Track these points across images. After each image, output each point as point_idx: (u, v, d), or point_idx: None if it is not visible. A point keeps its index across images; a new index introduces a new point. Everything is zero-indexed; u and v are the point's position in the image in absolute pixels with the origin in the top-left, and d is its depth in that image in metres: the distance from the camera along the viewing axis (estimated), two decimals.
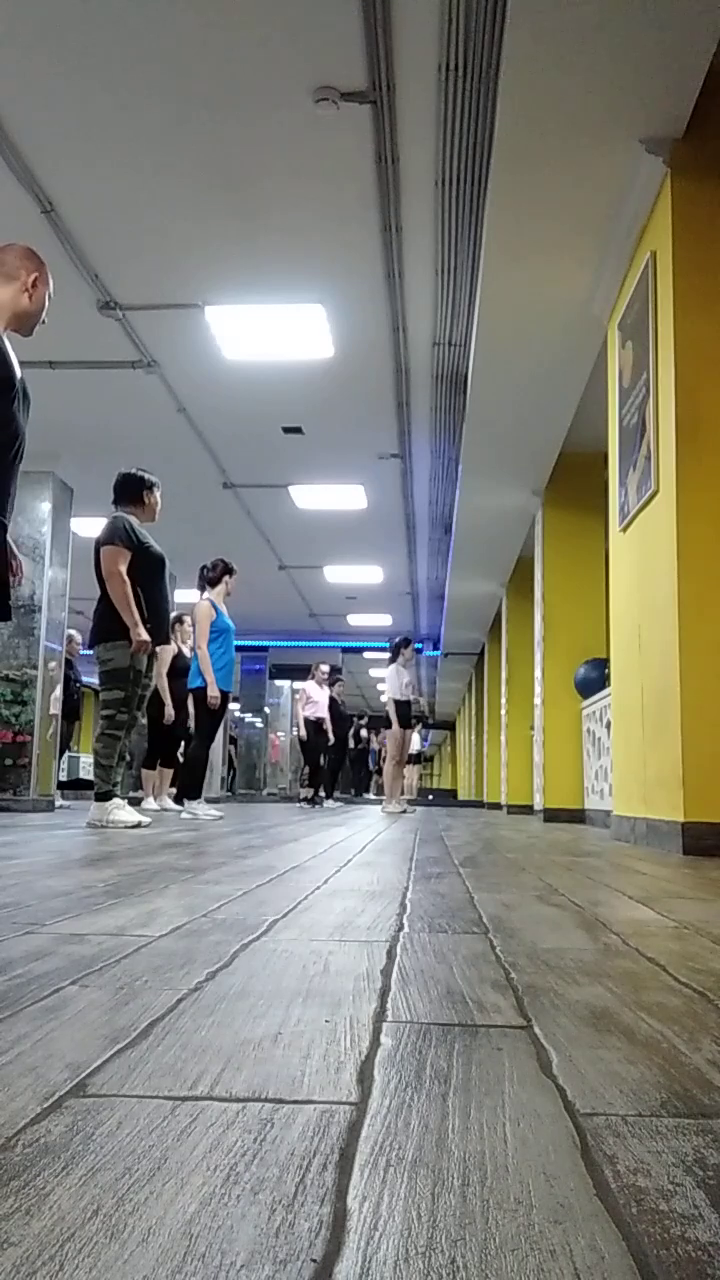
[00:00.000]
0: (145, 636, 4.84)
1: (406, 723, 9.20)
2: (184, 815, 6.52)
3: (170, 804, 7.94)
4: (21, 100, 4.61)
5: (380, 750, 20.73)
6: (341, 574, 14.21)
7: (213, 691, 6.42)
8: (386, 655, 9.52)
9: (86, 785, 13.05)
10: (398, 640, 9.24)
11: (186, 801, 6.68)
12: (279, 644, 19.22)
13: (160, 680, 7.90)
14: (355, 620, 17.77)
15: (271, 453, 9.23)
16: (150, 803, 8.06)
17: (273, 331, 6.77)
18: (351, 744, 15.87)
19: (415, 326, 6.64)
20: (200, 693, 6.52)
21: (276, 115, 4.64)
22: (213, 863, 2.79)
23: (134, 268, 6.03)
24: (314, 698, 11.27)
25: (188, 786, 6.74)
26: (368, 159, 4.93)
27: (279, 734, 22.47)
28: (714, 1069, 0.83)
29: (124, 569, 4.88)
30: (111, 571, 4.88)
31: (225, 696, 6.55)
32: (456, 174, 4.97)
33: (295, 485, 10.22)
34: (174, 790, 8.17)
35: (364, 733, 18.14)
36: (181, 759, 8.22)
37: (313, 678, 11.55)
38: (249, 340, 6.88)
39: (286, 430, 8.66)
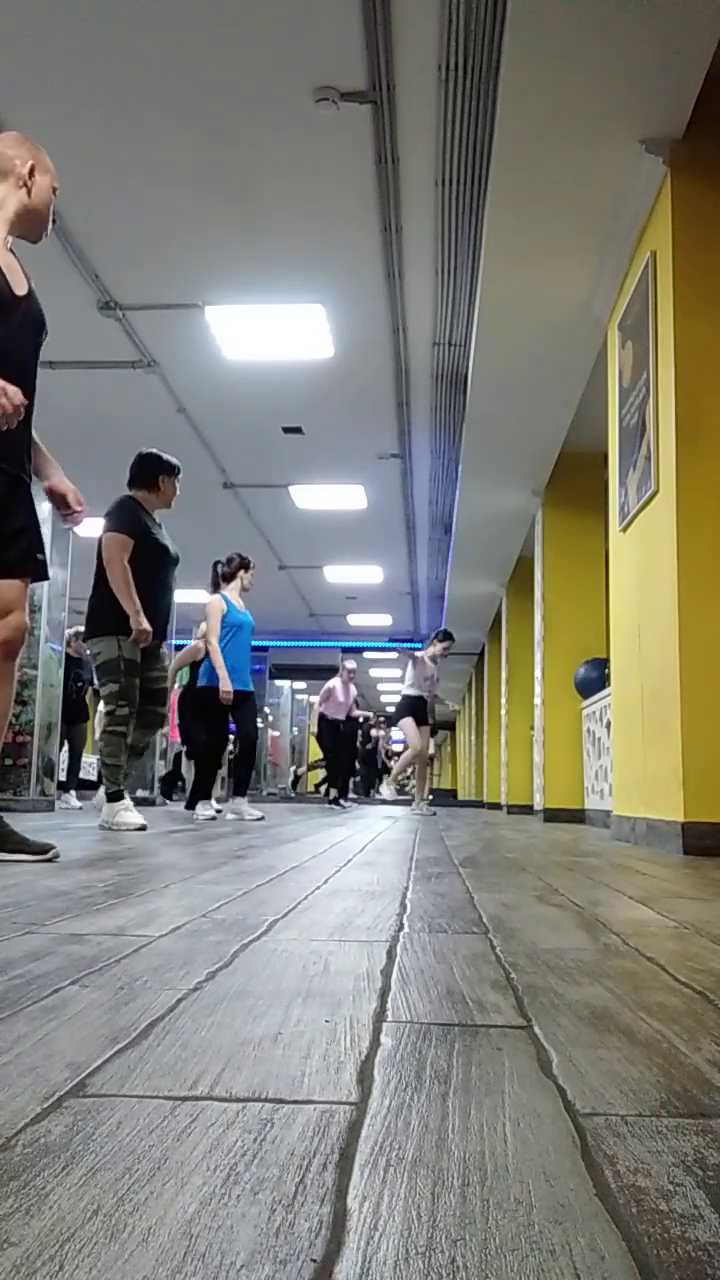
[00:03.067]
0: (146, 625, 4.62)
1: (423, 719, 8.54)
2: (195, 817, 6.38)
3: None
4: (21, 100, 4.61)
5: (387, 749, 20.57)
6: (341, 574, 14.21)
7: (224, 687, 6.20)
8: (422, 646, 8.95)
9: (88, 785, 13.02)
10: (437, 633, 8.84)
11: (200, 803, 6.52)
12: (279, 644, 19.22)
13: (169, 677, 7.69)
14: (355, 620, 17.78)
15: (271, 453, 9.24)
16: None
17: (273, 331, 6.78)
18: (359, 743, 15.65)
19: (415, 326, 6.65)
20: (210, 692, 6.34)
21: (276, 115, 4.64)
22: (213, 863, 2.79)
23: (134, 268, 6.03)
24: (340, 698, 10.99)
25: (203, 787, 6.56)
26: (368, 159, 4.93)
27: (279, 734, 22.48)
28: (714, 1069, 0.83)
29: (125, 557, 4.67)
30: (111, 558, 4.67)
31: (240, 695, 6.32)
32: (456, 174, 4.97)
33: (295, 485, 10.23)
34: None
35: (374, 731, 17.86)
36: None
37: (339, 675, 10.98)
38: (249, 340, 6.89)
39: (286, 430, 8.66)
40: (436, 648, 8.66)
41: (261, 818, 6.35)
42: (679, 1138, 0.67)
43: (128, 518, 4.78)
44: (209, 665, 6.39)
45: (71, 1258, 0.48)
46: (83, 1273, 0.47)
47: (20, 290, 2.65)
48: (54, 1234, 0.50)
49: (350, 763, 11.84)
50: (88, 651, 5.01)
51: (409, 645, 8.98)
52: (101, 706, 4.86)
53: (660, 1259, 0.49)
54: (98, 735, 4.90)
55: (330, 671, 11.53)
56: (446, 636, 8.72)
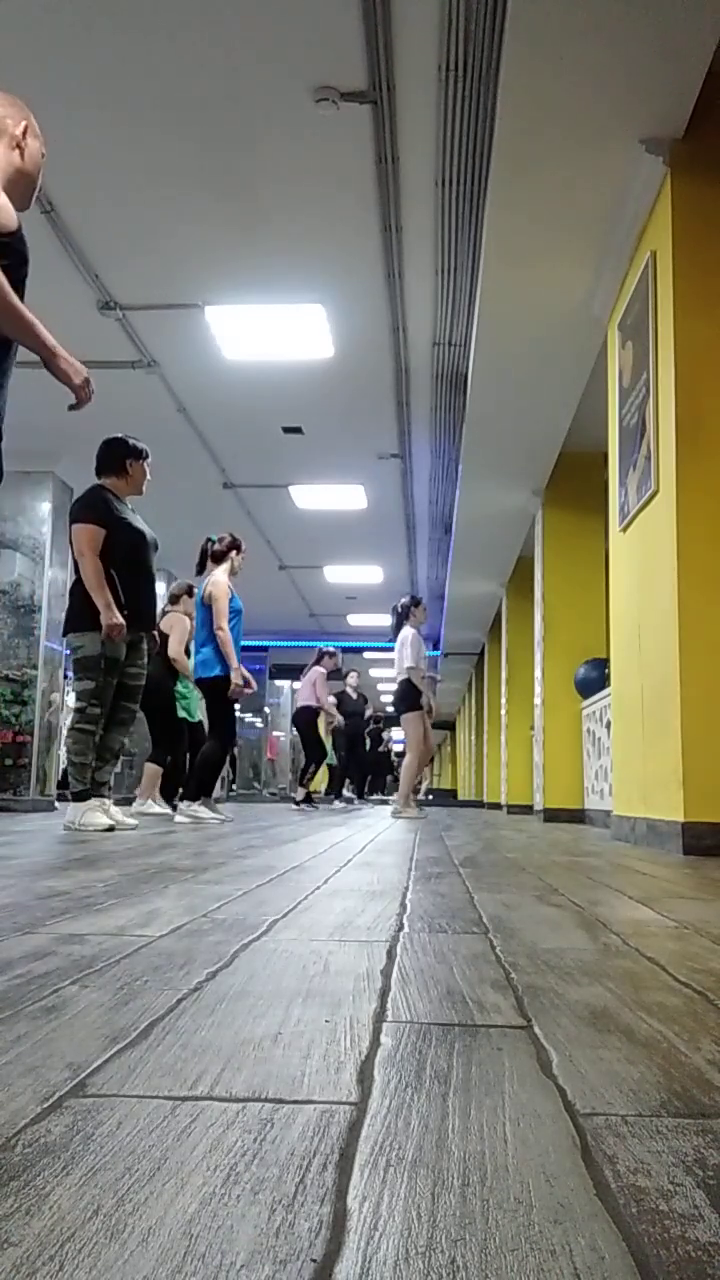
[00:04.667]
0: (119, 619, 4.48)
1: (418, 703, 7.57)
2: (179, 819, 5.98)
3: (155, 806, 7.17)
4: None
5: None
6: (341, 574, 14.21)
7: (241, 676, 5.86)
8: (392, 622, 7.95)
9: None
10: (406, 601, 7.78)
11: (186, 803, 6.06)
12: (279, 644, 19.21)
13: (179, 657, 7.18)
14: (355, 620, 17.77)
15: (271, 453, 9.24)
16: (150, 805, 7.22)
17: (273, 331, 6.78)
18: (368, 744, 15.48)
19: (415, 326, 6.64)
20: (210, 682, 5.98)
21: (276, 115, 4.64)
22: (213, 863, 2.78)
23: (134, 268, 6.03)
24: (311, 684, 10.78)
25: (199, 785, 6.10)
26: (368, 159, 4.93)
27: (279, 734, 22.47)
28: (714, 1069, 0.83)
29: (95, 548, 4.55)
30: (82, 551, 4.54)
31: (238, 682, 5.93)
32: (456, 174, 4.97)
33: (295, 485, 10.22)
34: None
35: (384, 734, 17.35)
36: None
37: (318, 664, 10.73)
38: (249, 340, 6.88)
39: (286, 430, 8.66)
40: (420, 614, 7.83)
41: (225, 820, 6.05)
42: (679, 1138, 0.67)
43: (97, 507, 4.66)
44: (210, 654, 5.98)
45: (72, 1258, 0.48)
46: (83, 1273, 0.47)
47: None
48: (54, 1234, 0.50)
49: (344, 760, 11.70)
50: (65, 643, 4.78)
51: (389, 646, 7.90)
52: (75, 703, 4.68)
53: (660, 1259, 0.49)
54: (65, 733, 4.65)
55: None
56: (418, 602, 7.91)
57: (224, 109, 4.62)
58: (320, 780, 12.25)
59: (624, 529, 4.83)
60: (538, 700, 8.62)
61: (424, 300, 6.29)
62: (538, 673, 8.56)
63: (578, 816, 7.96)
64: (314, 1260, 0.48)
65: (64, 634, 4.80)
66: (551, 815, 8.15)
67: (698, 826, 3.79)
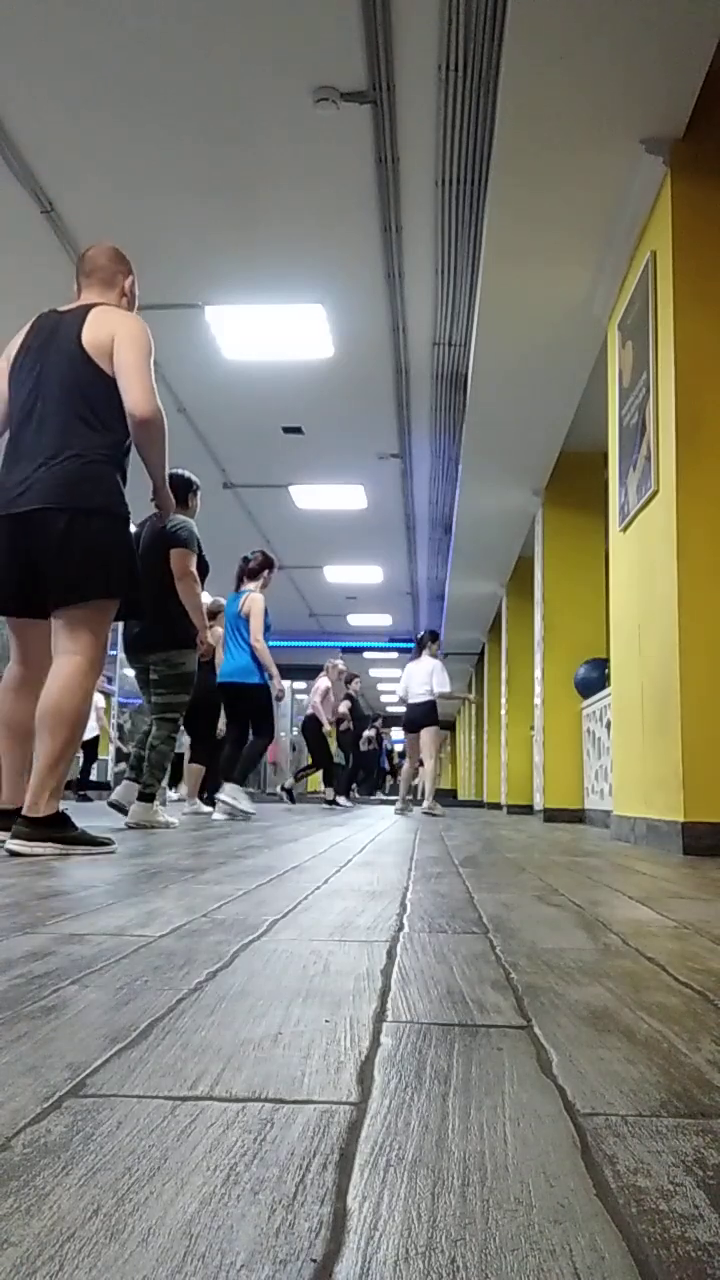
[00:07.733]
0: (211, 640, 4.93)
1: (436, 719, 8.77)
2: (221, 799, 6.36)
3: (202, 806, 7.32)
4: (22, 100, 4.61)
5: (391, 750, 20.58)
6: (341, 574, 14.22)
7: (279, 685, 6.34)
8: (413, 651, 9.11)
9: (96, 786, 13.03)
10: (424, 634, 8.98)
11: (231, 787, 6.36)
12: (279, 644, 19.17)
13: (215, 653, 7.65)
14: (355, 620, 17.78)
15: (271, 453, 9.24)
16: (197, 805, 7.33)
17: (273, 331, 6.78)
18: (363, 745, 15.62)
19: (415, 326, 6.65)
20: (254, 688, 6.37)
21: (276, 115, 4.64)
22: (213, 863, 2.78)
23: (134, 268, 6.03)
24: (331, 699, 11.11)
25: (243, 774, 6.45)
26: (368, 159, 4.93)
27: (279, 734, 22.47)
28: (714, 1069, 0.83)
29: (195, 571, 4.85)
30: (185, 572, 4.79)
31: (267, 691, 6.47)
32: (456, 174, 4.97)
33: (295, 485, 10.23)
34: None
35: (369, 732, 17.66)
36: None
37: (327, 674, 11.19)
38: (249, 340, 6.89)
39: (286, 430, 8.67)
40: (434, 648, 8.97)
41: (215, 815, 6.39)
42: (679, 1138, 0.67)
43: (197, 539, 4.95)
44: (245, 664, 6.37)
45: (71, 1258, 0.48)
46: (83, 1273, 0.47)
47: None
48: (54, 1234, 0.50)
49: (352, 762, 11.81)
50: (156, 658, 4.87)
51: (405, 645, 9.48)
52: (166, 713, 4.84)
53: (660, 1259, 0.49)
54: (159, 738, 4.76)
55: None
56: (435, 637, 9.06)
57: (224, 109, 4.62)
58: (315, 781, 12.36)
59: (624, 529, 4.83)
60: (538, 700, 8.62)
61: (424, 300, 6.29)
62: (538, 673, 8.56)
63: (578, 816, 7.96)
64: (314, 1260, 0.48)
65: (161, 649, 4.88)
66: (551, 815, 8.15)
67: (698, 826, 3.79)
